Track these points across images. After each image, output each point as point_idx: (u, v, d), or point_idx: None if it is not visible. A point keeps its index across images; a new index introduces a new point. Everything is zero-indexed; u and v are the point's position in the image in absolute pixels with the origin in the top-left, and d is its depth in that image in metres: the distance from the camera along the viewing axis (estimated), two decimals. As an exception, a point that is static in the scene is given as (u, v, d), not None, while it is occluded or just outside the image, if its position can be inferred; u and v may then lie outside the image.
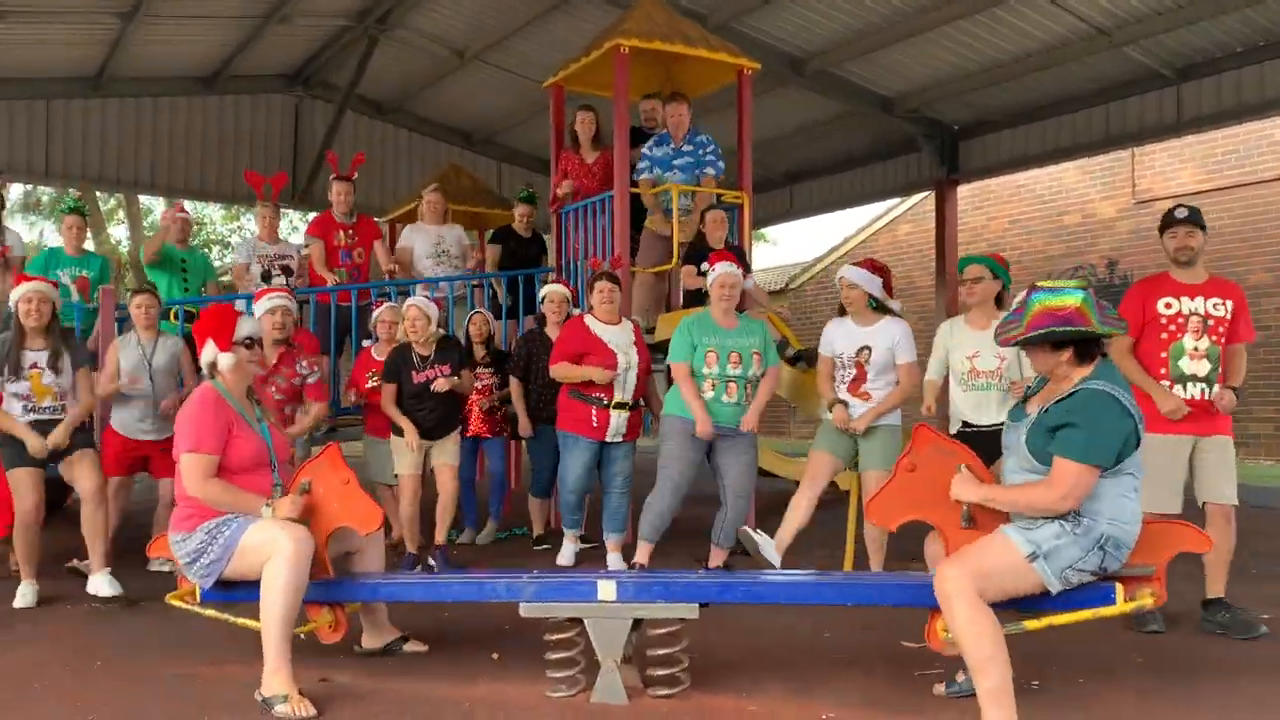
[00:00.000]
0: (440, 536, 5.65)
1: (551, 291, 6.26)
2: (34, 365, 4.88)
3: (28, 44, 10.12)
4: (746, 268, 6.47)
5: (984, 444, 3.95)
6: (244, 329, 3.65)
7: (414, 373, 5.59)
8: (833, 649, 4.02)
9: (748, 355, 5.22)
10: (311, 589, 3.48)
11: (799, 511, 4.99)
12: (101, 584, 4.88)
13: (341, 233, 7.09)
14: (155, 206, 21.37)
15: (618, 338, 5.64)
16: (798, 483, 9.20)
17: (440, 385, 5.53)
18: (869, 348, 4.98)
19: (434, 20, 10.81)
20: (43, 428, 4.85)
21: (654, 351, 6.10)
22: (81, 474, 4.95)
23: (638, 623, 3.33)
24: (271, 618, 3.29)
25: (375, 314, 6.26)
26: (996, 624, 2.84)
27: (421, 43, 11.30)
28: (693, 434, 5.20)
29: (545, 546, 6.34)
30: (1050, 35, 8.89)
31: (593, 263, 6.73)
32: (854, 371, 5.02)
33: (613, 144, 6.87)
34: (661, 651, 3.32)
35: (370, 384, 5.96)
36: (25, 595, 4.84)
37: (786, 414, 17.69)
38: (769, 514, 6.99)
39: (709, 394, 5.22)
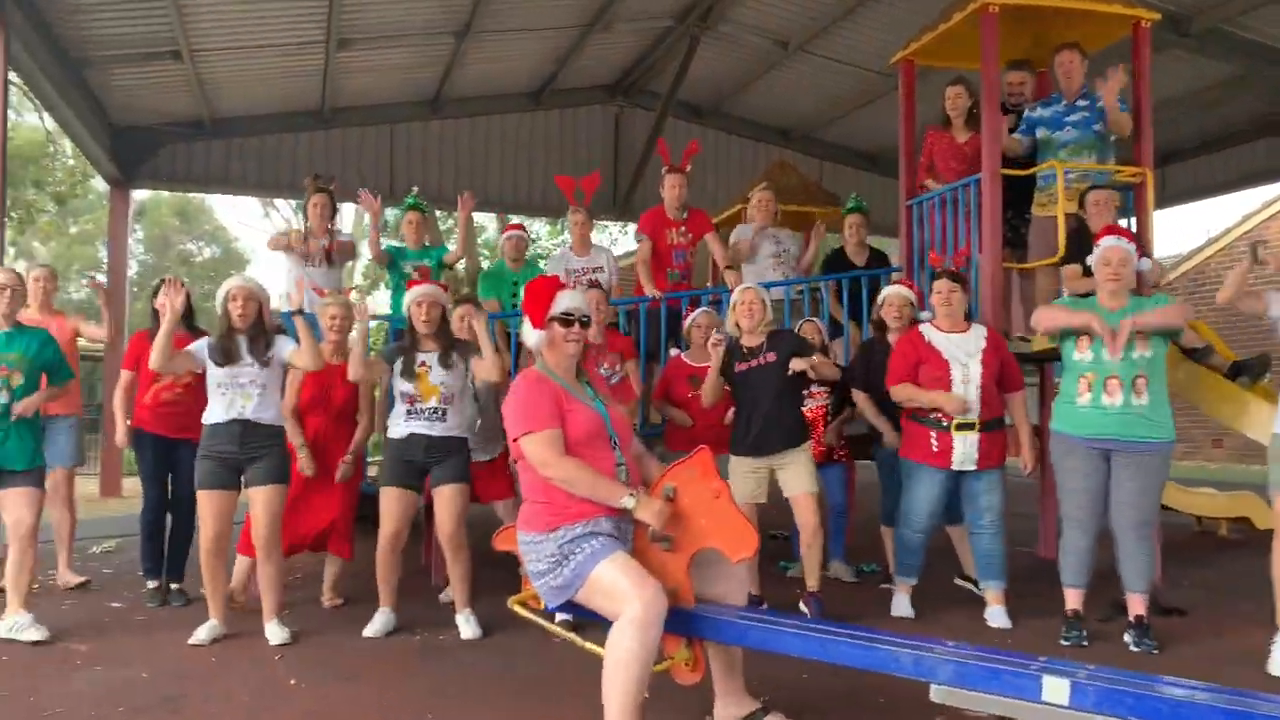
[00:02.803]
0: (812, 582, 4.88)
1: (891, 294, 5.44)
2: (423, 364, 4.70)
3: (372, 71, 10.66)
4: (1143, 251, 5.32)
5: None
6: (562, 303, 3.18)
7: (738, 363, 4.95)
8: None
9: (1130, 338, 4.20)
10: (669, 618, 2.88)
11: None
12: (465, 625, 4.63)
13: (673, 230, 6.69)
14: (487, 224, 22.48)
15: (960, 348, 4.79)
16: (1199, 519, 7.80)
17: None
18: None
19: (757, 11, 10.29)
20: (428, 427, 4.64)
21: (1030, 364, 5.12)
22: (440, 510, 4.70)
23: (1090, 732, 2.46)
24: (613, 693, 2.74)
25: (690, 318, 5.73)
26: None
27: (744, 36, 10.83)
28: (1084, 450, 4.26)
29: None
30: None
31: (933, 259, 5.88)
32: None
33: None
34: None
35: (693, 394, 5.40)
36: (376, 624, 4.65)
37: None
38: (1165, 557, 5.75)
39: (1085, 396, 4.27)
